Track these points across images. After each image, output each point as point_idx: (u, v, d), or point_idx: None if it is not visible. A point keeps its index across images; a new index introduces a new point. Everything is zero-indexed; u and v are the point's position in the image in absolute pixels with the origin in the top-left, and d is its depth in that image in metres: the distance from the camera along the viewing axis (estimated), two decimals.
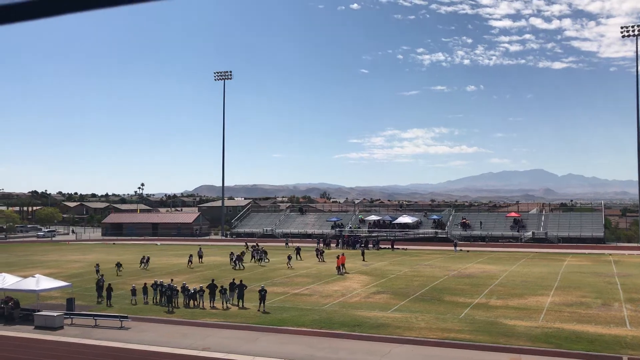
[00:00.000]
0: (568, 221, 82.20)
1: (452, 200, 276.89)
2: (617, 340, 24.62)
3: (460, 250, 67.98)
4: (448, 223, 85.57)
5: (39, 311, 30.11)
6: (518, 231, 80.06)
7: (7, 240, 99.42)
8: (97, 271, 46.41)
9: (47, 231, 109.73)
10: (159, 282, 35.54)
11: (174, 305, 33.27)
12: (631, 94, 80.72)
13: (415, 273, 47.54)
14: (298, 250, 59.45)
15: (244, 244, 70.57)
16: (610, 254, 62.60)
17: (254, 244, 67.19)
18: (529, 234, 78.39)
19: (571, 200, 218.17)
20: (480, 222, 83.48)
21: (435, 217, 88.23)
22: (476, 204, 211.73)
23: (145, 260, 52.74)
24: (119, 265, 49.21)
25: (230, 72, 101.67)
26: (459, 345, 24.24)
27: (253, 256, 56.67)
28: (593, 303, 33.18)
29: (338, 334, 26.54)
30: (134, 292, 35.04)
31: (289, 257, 52.85)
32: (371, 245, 71.10)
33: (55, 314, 29.55)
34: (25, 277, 33.84)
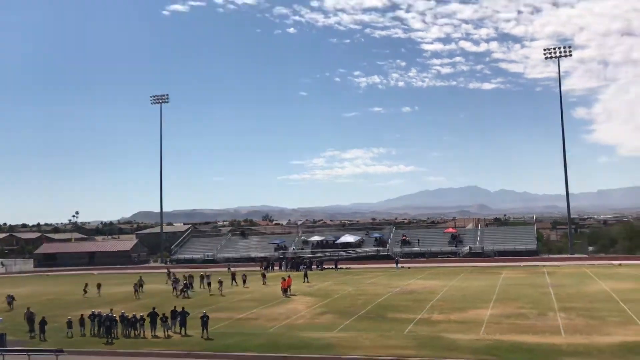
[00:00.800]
0: (503, 235, 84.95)
1: (393, 218, 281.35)
2: (554, 348, 25.60)
3: (402, 267, 68.96)
4: (389, 241, 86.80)
5: None
6: (456, 246, 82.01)
7: None
8: (9, 303, 45.53)
9: None
10: (96, 313, 34.30)
11: (113, 335, 32.14)
12: (556, 112, 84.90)
13: (359, 292, 47.86)
14: (233, 275, 58.09)
15: (165, 271, 68.04)
16: (543, 266, 65.09)
17: (168, 271, 65.29)
18: (467, 248, 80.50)
19: (504, 215, 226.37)
20: (418, 240, 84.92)
21: (376, 235, 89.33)
22: (415, 221, 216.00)
23: (98, 287, 53.20)
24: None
25: (167, 95, 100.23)
26: None
27: (186, 286, 51.09)
28: (530, 313, 34.39)
29: (285, 357, 26.33)
30: (70, 324, 33.63)
31: (220, 282, 51.33)
32: (315, 266, 71.10)
33: None
34: None
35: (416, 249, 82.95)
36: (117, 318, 33.09)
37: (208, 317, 32.03)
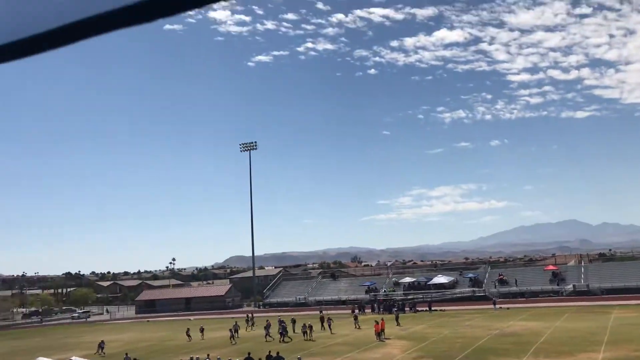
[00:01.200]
0: (609, 271, 79.43)
1: (486, 257, 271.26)
2: None
3: (500, 308, 65.88)
4: (485, 280, 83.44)
5: None
6: (558, 285, 77.50)
7: (43, 323, 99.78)
8: (102, 348, 48.30)
9: (82, 312, 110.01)
10: (194, 358, 35.02)
11: None
12: None
13: (456, 334, 45.99)
14: (322, 319, 57.34)
15: (245, 316, 68.08)
16: None
17: (247, 316, 65.72)
18: (570, 287, 75.79)
19: (609, 250, 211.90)
20: (516, 279, 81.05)
21: (471, 275, 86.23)
22: (511, 260, 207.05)
23: (201, 331, 56.70)
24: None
25: (255, 142, 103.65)
26: None
27: (284, 329, 50.99)
28: None
29: None
30: None
31: (310, 327, 50.18)
32: (408, 309, 69.39)
33: None
34: None
35: (514, 288, 79.18)
36: None
37: None
